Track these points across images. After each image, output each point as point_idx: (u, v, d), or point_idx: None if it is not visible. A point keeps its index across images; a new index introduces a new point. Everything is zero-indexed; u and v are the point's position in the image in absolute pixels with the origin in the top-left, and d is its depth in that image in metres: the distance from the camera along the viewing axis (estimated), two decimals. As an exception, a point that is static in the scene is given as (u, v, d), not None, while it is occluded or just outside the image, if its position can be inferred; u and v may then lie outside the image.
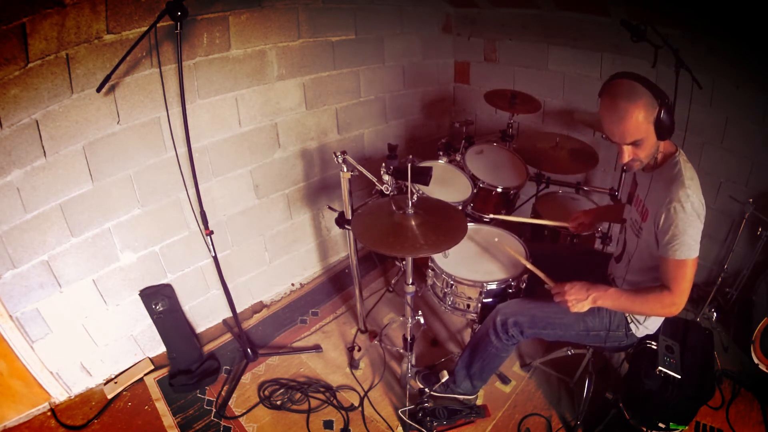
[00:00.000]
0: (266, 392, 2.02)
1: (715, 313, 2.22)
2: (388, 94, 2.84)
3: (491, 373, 1.85)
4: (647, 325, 1.54)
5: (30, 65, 1.49)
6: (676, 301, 1.34)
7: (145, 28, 1.53)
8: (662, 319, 1.55)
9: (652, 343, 1.53)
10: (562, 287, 1.48)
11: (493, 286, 1.77)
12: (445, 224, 1.51)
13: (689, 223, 1.26)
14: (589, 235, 2.18)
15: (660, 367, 1.44)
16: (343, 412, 1.93)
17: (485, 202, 2.22)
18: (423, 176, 1.50)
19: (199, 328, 2.37)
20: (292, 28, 2.19)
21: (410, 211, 1.50)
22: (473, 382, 1.83)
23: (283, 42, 2.18)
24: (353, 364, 2.15)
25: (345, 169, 1.75)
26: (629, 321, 1.55)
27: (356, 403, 1.97)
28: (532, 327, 1.61)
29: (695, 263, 1.31)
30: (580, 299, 1.44)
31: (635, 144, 1.29)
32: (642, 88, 1.23)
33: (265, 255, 2.55)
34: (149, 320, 2.08)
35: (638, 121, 1.24)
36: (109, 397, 1.99)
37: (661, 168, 1.38)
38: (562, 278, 1.52)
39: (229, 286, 2.01)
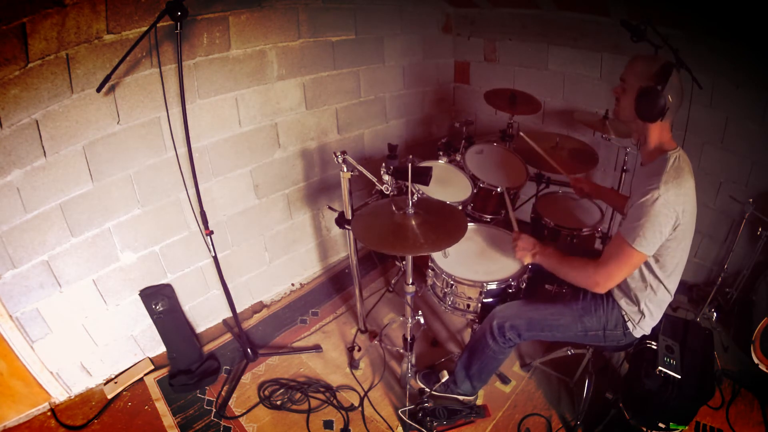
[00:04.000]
0: (266, 392, 2.02)
1: (715, 313, 2.21)
2: (388, 94, 2.84)
3: (490, 375, 1.85)
4: (642, 326, 1.54)
5: (30, 65, 1.49)
6: (598, 281, 1.41)
7: (145, 28, 1.53)
8: (658, 318, 1.55)
9: (652, 343, 1.53)
10: (519, 235, 1.71)
11: (493, 286, 1.77)
12: (445, 224, 1.51)
13: (649, 215, 1.27)
14: (588, 234, 2.18)
15: (660, 367, 1.44)
16: (343, 412, 1.93)
17: (485, 202, 2.22)
18: (423, 176, 1.50)
19: (199, 328, 2.37)
20: (292, 28, 2.19)
21: (410, 211, 1.50)
22: (473, 383, 1.84)
23: (283, 42, 2.18)
24: (353, 364, 2.15)
25: (345, 169, 1.75)
26: (626, 320, 1.55)
27: (356, 403, 1.97)
28: (529, 330, 1.61)
29: (632, 255, 1.33)
30: (526, 249, 1.66)
31: (622, 86, 1.40)
32: (657, 64, 1.31)
33: (265, 255, 2.55)
34: (149, 320, 2.08)
35: (633, 71, 1.36)
36: (109, 397, 1.99)
37: (653, 162, 1.40)
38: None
39: (229, 286, 2.01)
